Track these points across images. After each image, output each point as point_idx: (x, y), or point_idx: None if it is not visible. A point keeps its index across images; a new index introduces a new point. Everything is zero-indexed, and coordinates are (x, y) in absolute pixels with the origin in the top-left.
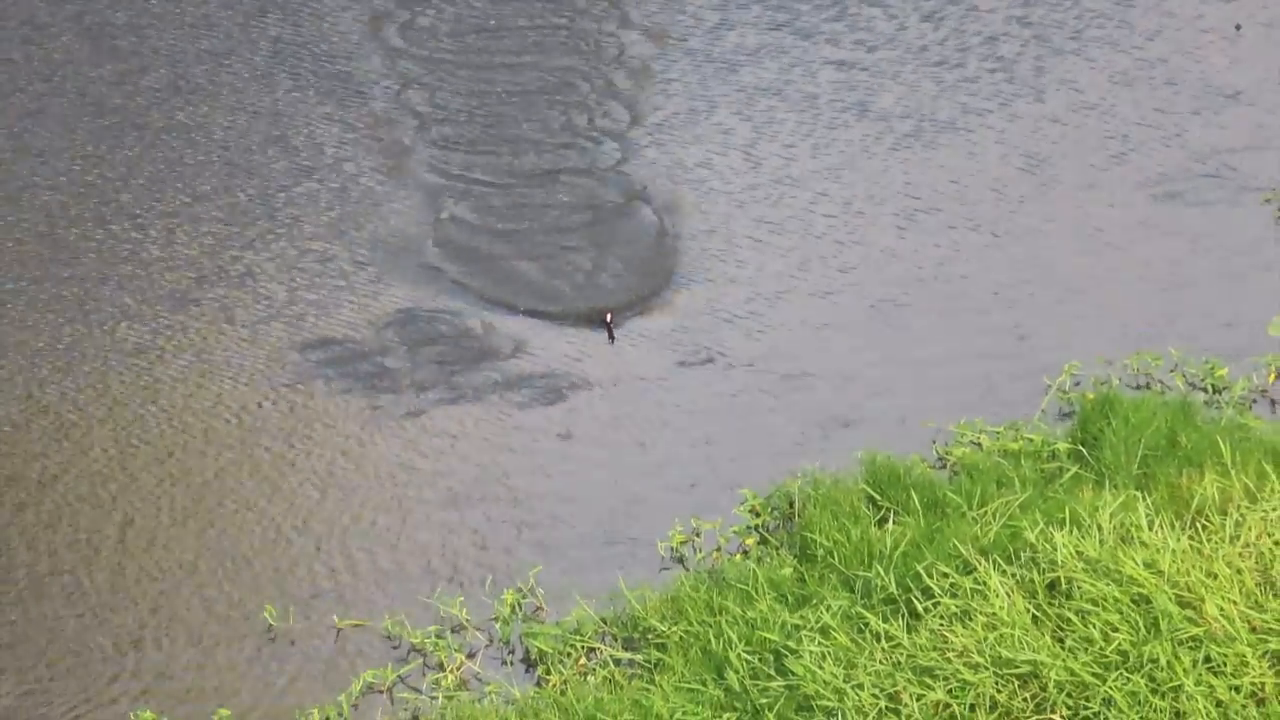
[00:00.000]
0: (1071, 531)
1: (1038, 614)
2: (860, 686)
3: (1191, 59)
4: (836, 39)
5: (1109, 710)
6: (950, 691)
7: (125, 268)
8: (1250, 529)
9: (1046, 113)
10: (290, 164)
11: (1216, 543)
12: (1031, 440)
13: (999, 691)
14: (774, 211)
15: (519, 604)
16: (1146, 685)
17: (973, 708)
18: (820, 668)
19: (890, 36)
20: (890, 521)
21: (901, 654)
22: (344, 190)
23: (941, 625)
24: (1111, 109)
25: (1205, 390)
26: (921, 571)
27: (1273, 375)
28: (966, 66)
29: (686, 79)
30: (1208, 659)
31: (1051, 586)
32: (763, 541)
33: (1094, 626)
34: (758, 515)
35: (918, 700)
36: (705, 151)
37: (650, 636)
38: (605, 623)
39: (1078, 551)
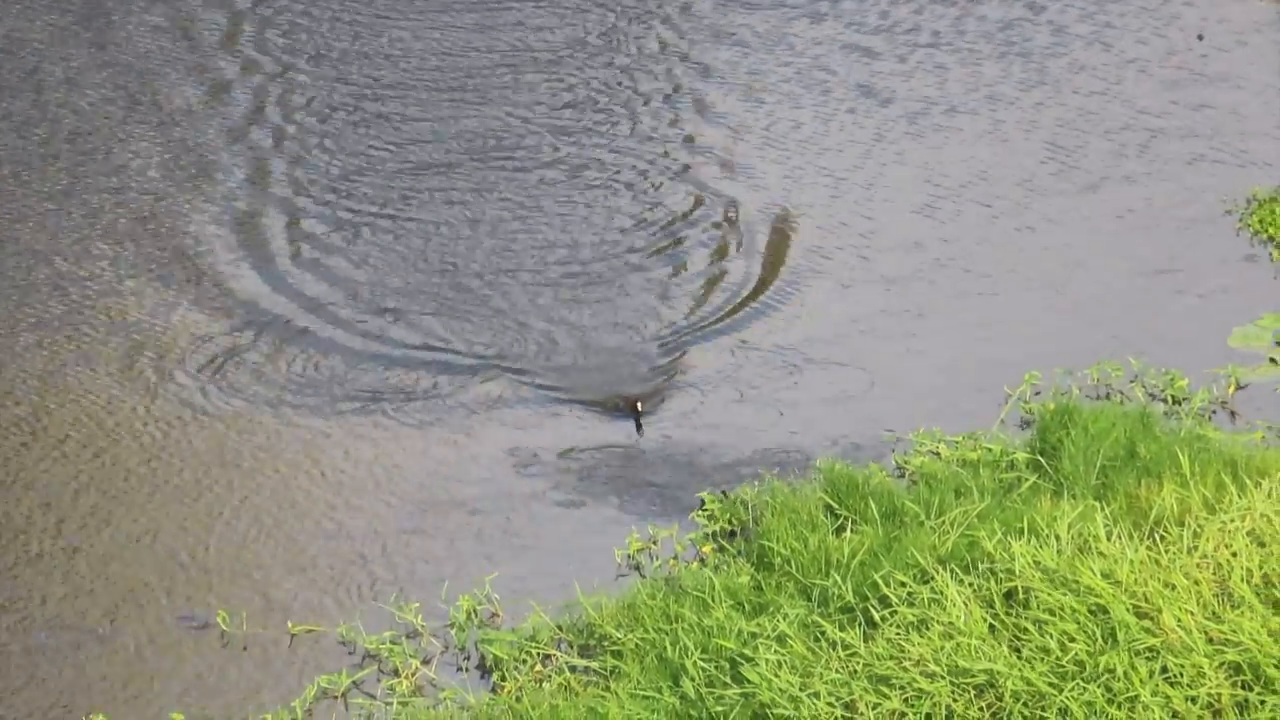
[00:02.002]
0: (1029, 541)
1: (995, 623)
2: (816, 695)
3: (1209, 47)
4: (848, 19)
5: None
6: (906, 700)
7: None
8: (1208, 540)
9: (1062, 100)
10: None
11: (1174, 553)
12: (990, 450)
13: (955, 701)
14: (788, 200)
15: (475, 610)
16: (1103, 695)
17: (929, 717)
18: (776, 676)
19: (903, 20)
20: (848, 530)
21: (858, 663)
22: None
23: (898, 634)
24: (1127, 98)
25: (1165, 401)
26: (879, 580)
27: (1232, 386)
28: (979, 51)
29: (699, 60)
30: (1164, 669)
31: (1009, 596)
32: (720, 549)
33: (1051, 636)
34: (715, 522)
35: (874, 709)
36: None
37: (606, 644)
38: (561, 629)
39: (1035, 561)
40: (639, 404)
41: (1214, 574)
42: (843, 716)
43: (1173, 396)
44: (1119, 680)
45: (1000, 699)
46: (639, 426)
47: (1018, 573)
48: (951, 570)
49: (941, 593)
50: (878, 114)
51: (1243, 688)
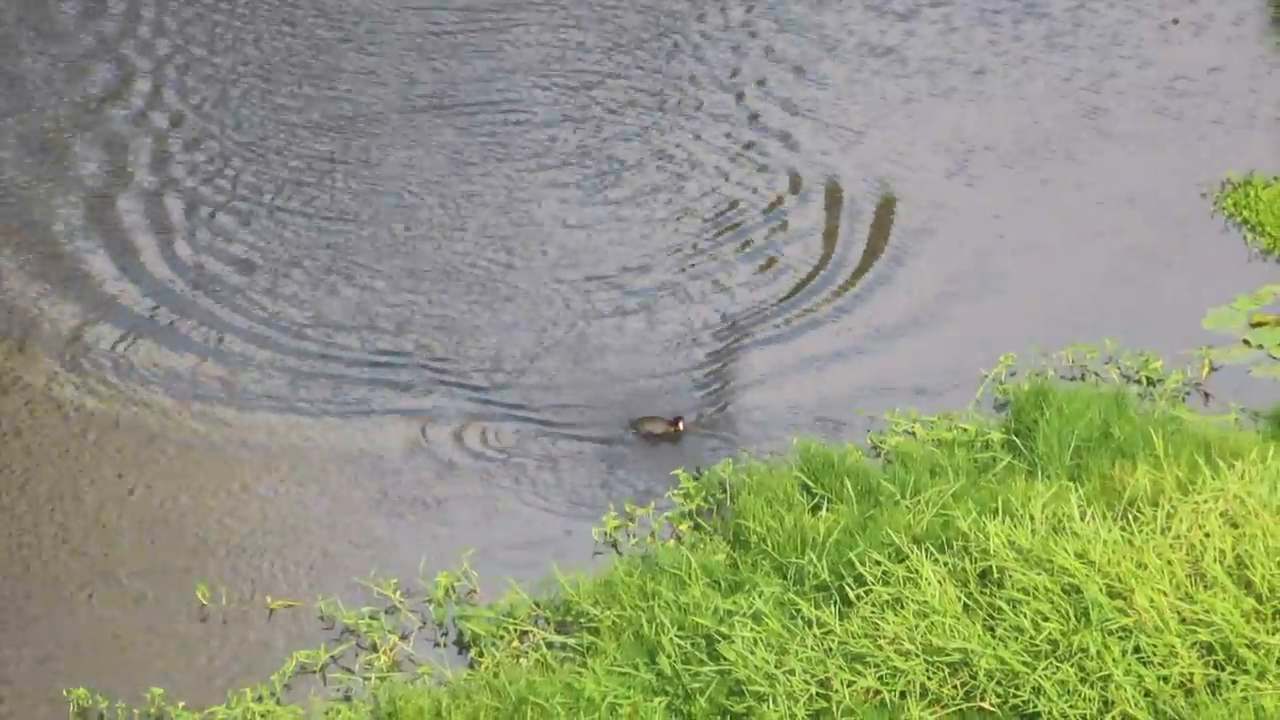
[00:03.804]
0: (1004, 521)
1: (969, 602)
2: (792, 672)
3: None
4: None
5: (1038, 698)
6: (881, 678)
7: None
8: (1181, 521)
9: (1084, 65)
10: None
11: (1148, 534)
12: (965, 430)
13: (929, 679)
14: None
15: (453, 586)
16: (1076, 674)
17: (903, 695)
18: (752, 653)
19: None
20: (824, 509)
21: (833, 641)
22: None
23: (873, 613)
24: (1156, 63)
25: (1139, 382)
26: (854, 559)
27: (1206, 368)
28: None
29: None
30: (1137, 649)
31: (983, 575)
32: (697, 527)
33: (1025, 615)
34: (691, 500)
35: (848, 687)
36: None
37: (583, 620)
38: (538, 606)
39: (1010, 541)
40: (679, 422)
41: (1187, 554)
42: (817, 694)
43: (1147, 378)
44: (1092, 659)
45: (974, 677)
46: (681, 433)
47: (992, 552)
48: (926, 549)
49: (916, 572)
50: (901, 75)
51: (1215, 667)
